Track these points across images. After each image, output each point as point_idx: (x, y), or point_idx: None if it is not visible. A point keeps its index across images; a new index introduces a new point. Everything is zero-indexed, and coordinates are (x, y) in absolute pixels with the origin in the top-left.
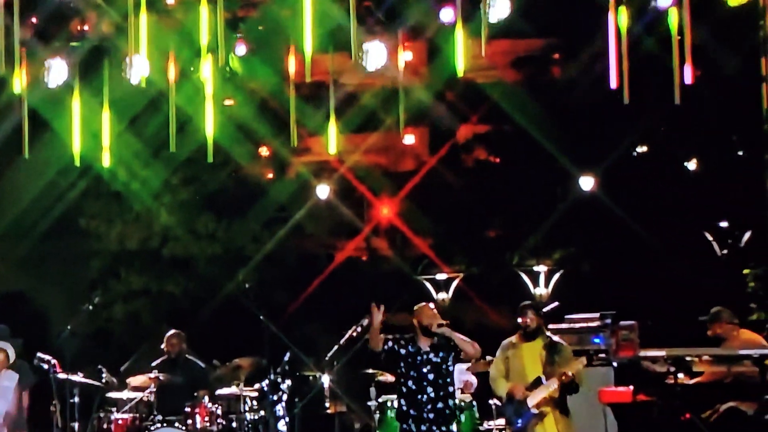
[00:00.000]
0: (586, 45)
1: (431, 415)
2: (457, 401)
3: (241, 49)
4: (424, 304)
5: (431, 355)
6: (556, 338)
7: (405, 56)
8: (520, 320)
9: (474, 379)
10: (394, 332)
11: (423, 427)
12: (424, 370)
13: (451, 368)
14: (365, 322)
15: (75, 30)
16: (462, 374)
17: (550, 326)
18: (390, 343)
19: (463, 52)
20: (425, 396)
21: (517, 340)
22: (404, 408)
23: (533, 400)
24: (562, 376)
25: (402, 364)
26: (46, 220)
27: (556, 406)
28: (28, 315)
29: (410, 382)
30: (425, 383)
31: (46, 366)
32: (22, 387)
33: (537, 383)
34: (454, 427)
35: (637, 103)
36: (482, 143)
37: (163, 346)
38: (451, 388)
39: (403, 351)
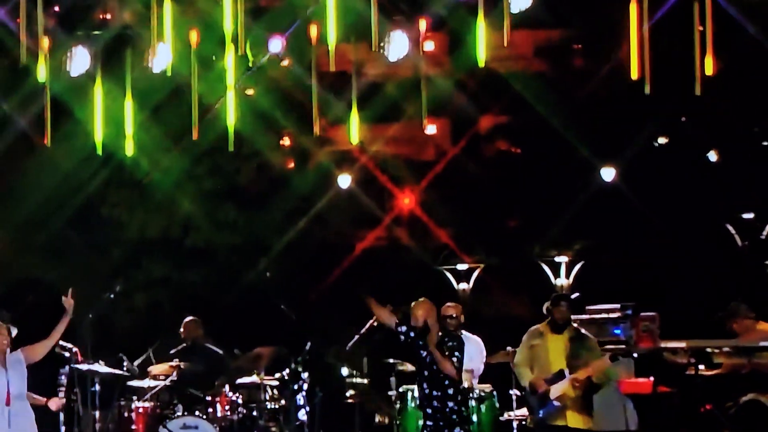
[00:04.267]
0: (607, 35)
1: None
2: (476, 393)
3: (275, 45)
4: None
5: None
6: (583, 331)
7: (427, 46)
8: (552, 312)
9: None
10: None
11: (438, 415)
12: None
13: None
14: None
15: (98, 19)
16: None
17: (572, 317)
18: (404, 328)
19: (484, 42)
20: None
21: (545, 330)
22: (426, 391)
23: (555, 392)
24: (574, 383)
25: (423, 353)
26: (67, 208)
27: (577, 399)
28: (48, 303)
29: (426, 372)
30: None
31: (67, 354)
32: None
33: (560, 375)
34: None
35: (659, 94)
36: (503, 134)
37: (181, 330)
38: (448, 382)
39: (420, 341)
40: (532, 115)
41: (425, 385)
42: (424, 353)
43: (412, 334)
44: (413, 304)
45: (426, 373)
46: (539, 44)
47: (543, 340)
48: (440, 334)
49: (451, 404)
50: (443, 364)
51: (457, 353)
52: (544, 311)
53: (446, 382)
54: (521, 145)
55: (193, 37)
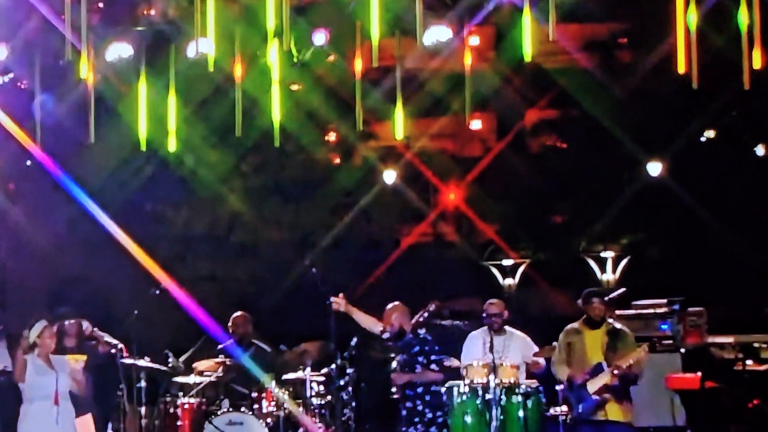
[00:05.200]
0: (654, 29)
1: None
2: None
3: (319, 38)
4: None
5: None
6: (619, 325)
7: (472, 40)
8: (584, 308)
9: (542, 361)
10: (461, 318)
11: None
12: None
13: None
14: (432, 307)
15: (141, 14)
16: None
17: (618, 312)
18: (387, 334)
19: (530, 36)
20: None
21: (581, 327)
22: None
23: (593, 386)
24: (614, 370)
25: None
26: (112, 204)
27: (616, 393)
28: (94, 299)
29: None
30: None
31: (113, 350)
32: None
33: (598, 370)
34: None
35: (706, 88)
36: (549, 128)
37: (228, 326)
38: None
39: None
40: (578, 109)
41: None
42: (399, 356)
43: (390, 343)
44: (388, 308)
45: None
46: (586, 38)
47: (580, 336)
48: (410, 336)
49: (420, 406)
50: (424, 376)
51: (426, 348)
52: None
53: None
54: (567, 139)
55: (237, 32)
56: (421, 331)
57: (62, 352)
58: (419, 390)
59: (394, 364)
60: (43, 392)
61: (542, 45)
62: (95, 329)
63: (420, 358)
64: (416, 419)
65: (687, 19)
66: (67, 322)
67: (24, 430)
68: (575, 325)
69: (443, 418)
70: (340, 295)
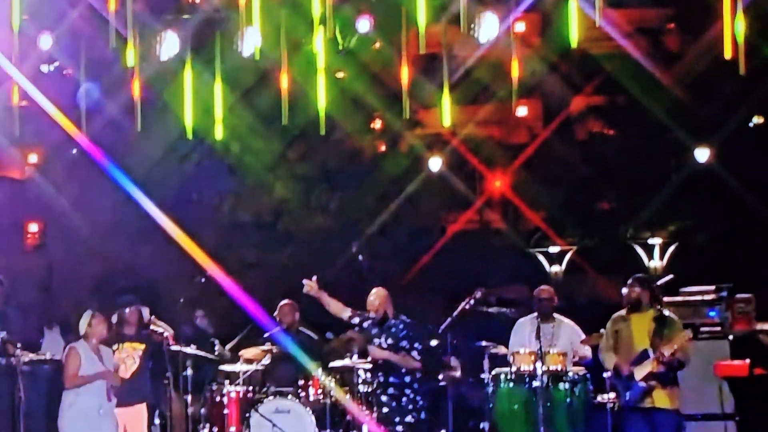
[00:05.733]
0: (701, 14)
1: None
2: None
3: (363, 25)
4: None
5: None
6: (667, 312)
7: (518, 27)
8: (624, 292)
9: (588, 351)
10: (507, 305)
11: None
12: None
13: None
14: (478, 294)
15: (187, 2)
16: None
17: (665, 299)
18: (357, 319)
19: (576, 22)
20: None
21: (627, 313)
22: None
23: (640, 373)
24: (659, 357)
25: (378, 342)
26: (158, 192)
27: (663, 380)
28: (140, 287)
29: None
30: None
31: (159, 339)
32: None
33: (643, 356)
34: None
35: (754, 73)
36: (596, 115)
37: (275, 314)
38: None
39: (375, 329)
40: (625, 95)
41: (380, 373)
42: (380, 342)
43: (365, 325)
44: (372, 292)
45: (381, 361)
46: (633, 24)
47: (626, 323)
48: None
49: (408, 392)
50: (404, 360)
51: (411, 333)
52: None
53: (403, 371)
54: (614, 126)
55: (283, 19)
56: (404, 317)
57: (121, 341)
58: (407, 379)
59: (373, 347)
60: (92, 384)
61: (588, 31)
62: (152, 317)
63: (404, 343)
64: (410, 407)
65: (734, 4)
66: (127, 310)
67: (67, 419)
68: (622, 312)
69: (433, 404)
70: (313, 278)
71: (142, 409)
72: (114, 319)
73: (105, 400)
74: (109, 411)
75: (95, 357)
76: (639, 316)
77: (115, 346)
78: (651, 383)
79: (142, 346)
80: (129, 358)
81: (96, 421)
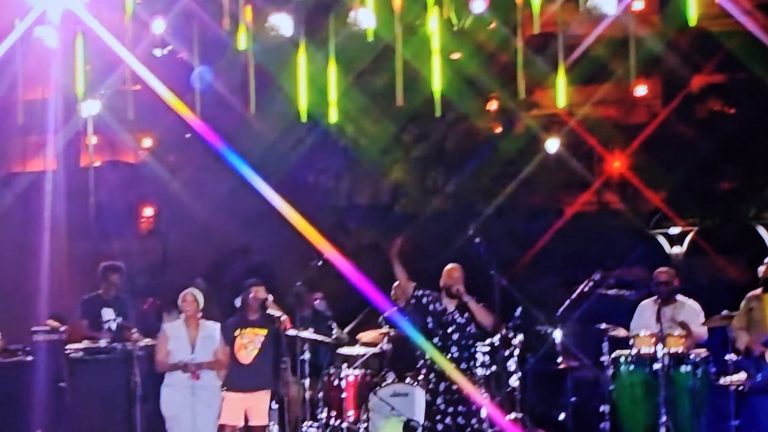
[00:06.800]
0: None
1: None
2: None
3: (479, 5)
4: (450, 265)
5: (456, 316)
6: None
7: (636, 5)
8: (760, 271)
9: (703, 333)
10: (627, 287)
11: (441, 386)
12: (449, 329)
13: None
14: (596, 276)
15: None
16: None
17: None
18: (419, 292)
19: None
20: (449, 356)
21: (762, 294)
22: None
23: None
24: None
25: (429, 320)
26: (273, 175)
27: None
28: (256, 270)
29: (436, 340)
30: (449, 343)
31: (278, 323)
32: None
33: None
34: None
35: None
36: (717, 93)
37: (391, 295)
38: (474, 349)
39: (431, 307)
40: (746, 73)
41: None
42: (430, 320)
43: (425, 301)
44: (455, 267)
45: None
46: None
47: (760, 303)
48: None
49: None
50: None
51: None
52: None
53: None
54: (735, 104)
55: (397, 1)
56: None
57: (243, 326)
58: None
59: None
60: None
61: (707, 8)
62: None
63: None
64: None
65: None
66: (251, 295)
67: (164, 398)
68: (757, 291)
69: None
70: (398, 240)
71: (263, 396)
72: (237, 303)
73: (195, 379)
74: (201, 389)
75: (186, 338)
76: None
77: (236, 331)
78: None
79: (264, 332)
80: (250, 343)
81: (189, 400)
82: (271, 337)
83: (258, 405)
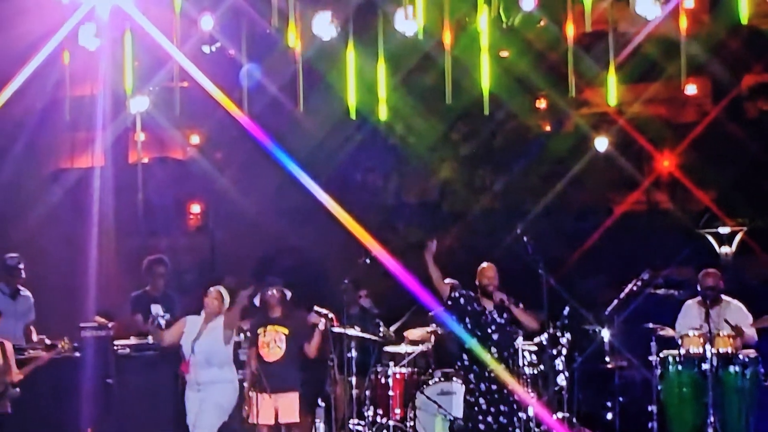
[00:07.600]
0: None
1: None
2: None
3: (528, 3)
4: (485, 264)
5: (495, 316)
6: None
7: (686, 3)
8: None
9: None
10: (676, 287)
11: (482, 386)
12: (489, 330)
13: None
14: (645, 275)
15: None
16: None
17: None
18: (455, 293)
19: None
20: (489, 356)
21: None
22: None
23: None
24: None
25: (468, 321)
26: (322, 173)
27: None
28: (304, 268)
29: (475, 341)
30: (489, 343)
31: (323, 320)
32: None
33: None
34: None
35: None
36: (767, 93)
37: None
38: (512, 349)
39: (468, 307)
40: None
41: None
42: (468, 320)
43: (462, 301)
44: (490, 266)
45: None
46: None
47: None
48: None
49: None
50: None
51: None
52: None
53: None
54: None
55: None
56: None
57: (265, 324)
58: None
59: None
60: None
61: (759, 6)
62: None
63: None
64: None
65: None
66: (269, 292)
67: (186, 391)
68: None
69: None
70: (433, 241)
71: (292, 398)
72: (257, 301)
73: (197, 375)
74: (207, 385)
75: (196, 333)
76: None
77: (260, 329)
78: None
79: (286, 330)
80: (272, 341)
81: (196, 395)
82: (296, 335)
83: (288, 407)
